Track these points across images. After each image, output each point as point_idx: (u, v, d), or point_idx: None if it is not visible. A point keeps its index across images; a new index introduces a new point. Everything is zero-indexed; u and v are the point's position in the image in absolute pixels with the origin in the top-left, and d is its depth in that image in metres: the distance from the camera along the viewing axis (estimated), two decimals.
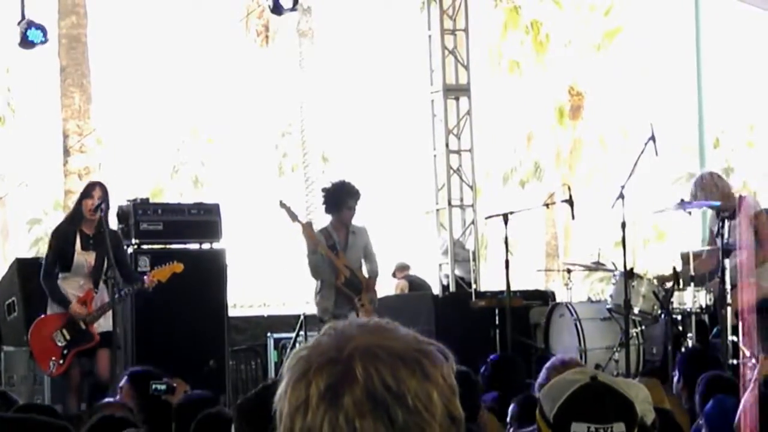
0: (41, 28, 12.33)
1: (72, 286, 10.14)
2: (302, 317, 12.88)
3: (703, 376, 7.00)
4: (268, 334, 13.53)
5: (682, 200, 10.93)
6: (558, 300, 12.94)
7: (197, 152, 41.16)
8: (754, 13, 19.22)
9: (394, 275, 17.15)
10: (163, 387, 7.45)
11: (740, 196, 10.98)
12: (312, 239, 11.12)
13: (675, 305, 10.73)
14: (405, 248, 21.35)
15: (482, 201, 17.84)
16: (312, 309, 11.78)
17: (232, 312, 13.11)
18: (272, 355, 13.42)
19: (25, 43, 12.23)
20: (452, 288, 13.92)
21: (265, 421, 3.09)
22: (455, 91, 14.48)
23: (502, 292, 12.18)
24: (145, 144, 38.76)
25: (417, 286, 15.74)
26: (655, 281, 11.17)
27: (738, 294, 10.29)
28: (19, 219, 39.17)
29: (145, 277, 10.31)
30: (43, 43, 12.45)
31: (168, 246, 11.81)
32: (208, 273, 11.71)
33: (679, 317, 10.78)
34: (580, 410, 3.12)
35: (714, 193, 10.79)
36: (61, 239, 10.19)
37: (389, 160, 37.30)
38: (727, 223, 10.32)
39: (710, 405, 6.39)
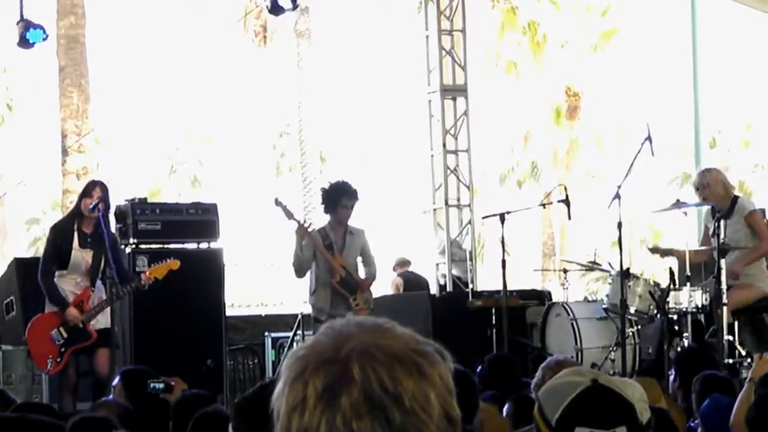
0: (40, 27, 12.34)
1: (69, 284, 10.15)
2: (300, 316, 12.88)
3: (699, 375, 7.04)
4: (266, 334, 13.54)
5: (678, 200, 10.96)
6: (554, 300, 12.93)
7: (195, 152, 41.16)
8: (751, 14, 19.25)
9: (394, 269, 17.14)
10: (161, 386, 7.43)
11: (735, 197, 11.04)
12: (301, 237, 11.09)
13: (671, 305, 10.74)
14: (402, 248, 21.33)
15: (479, 201, 17.81)
16: (309, 308, 11.78)
17: (230, 311, 13.12)
18: (270, 354, 13.43)
19: (24, 43, 12.24)
20: (449, 288, 13.94)
21: (263, 421, 3.11)
22: (452, 92, 14.49)
23: (498, 292, 12.17)
24: (143, 144, 38.74)
25: (413, 283, 15.73)
26: (651, 281, 11.20)
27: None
28: (18, 218, 39.08)
29: (142, 274, 10.33)
30: (44, 39, 12.46)
31: (166, 245, 11.83)
32: (206, 272, 11.73)
33: (675, 317, 10.81)
34: (583, 415, 3.16)
35: (719, 187, 10.84)
36: (59, 235, 10.21)
37: (386, 160, 37.30)
38: (722, 223, 10.34)
39: (706, 404, 6.44)
